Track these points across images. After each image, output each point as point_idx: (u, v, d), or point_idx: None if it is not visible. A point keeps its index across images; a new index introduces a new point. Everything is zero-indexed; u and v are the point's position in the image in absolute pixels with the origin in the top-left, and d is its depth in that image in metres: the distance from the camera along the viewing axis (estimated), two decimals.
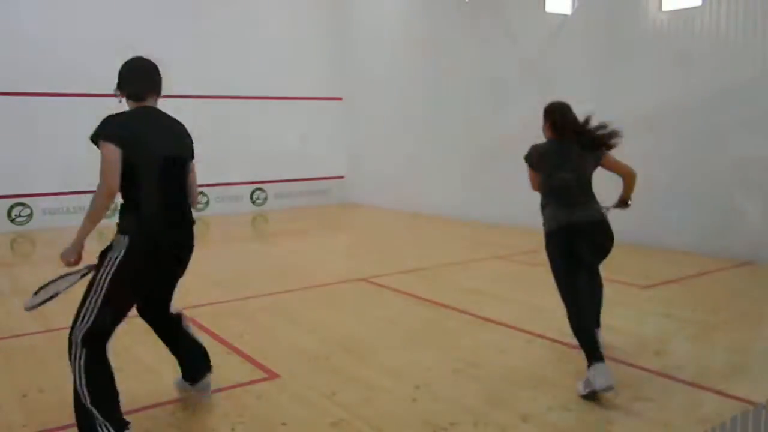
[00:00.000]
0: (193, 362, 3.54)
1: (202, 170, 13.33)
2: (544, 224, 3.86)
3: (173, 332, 3.52)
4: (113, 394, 2.96)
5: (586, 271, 3.92)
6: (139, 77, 3.25)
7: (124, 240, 2.98)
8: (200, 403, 3.51)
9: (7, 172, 10.23)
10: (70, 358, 2.91)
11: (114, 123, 3.01)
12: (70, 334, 2.93)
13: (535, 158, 3.91)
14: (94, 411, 2.85)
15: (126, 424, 2.96)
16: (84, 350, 2.88)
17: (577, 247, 3.71)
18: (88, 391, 2.85)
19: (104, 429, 2.87)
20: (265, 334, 4.83)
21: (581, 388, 3.51)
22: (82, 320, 2.92)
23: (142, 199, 3.01)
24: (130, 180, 2.97)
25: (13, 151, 10.21)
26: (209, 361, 3.59)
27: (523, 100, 9.53)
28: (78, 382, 2.87)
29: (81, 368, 2.86)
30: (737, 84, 6.96)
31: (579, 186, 3.79)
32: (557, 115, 3.85)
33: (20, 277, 7.19)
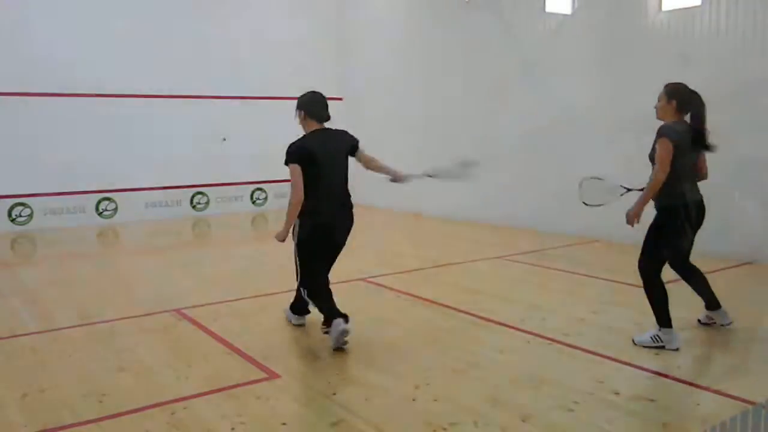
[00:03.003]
0: None
1: (202, 170, 13.35)
2: (664, 199, 4.34)
3: None
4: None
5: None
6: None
7: None
8: (200, 404, 3.52)
9: (8, 172, 10.23)
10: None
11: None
12: None
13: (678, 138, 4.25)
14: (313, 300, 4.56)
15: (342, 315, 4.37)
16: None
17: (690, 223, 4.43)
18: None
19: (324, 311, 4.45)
20: (265, 334, 4.83)
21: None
22: None
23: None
24: None
25: (15, 151, 10.21)
26: None
27: (523, 100, 9.54)
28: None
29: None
30: (737, 84, 6.96)
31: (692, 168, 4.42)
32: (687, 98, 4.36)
33: (20, 277, 7.19)
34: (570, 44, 8.81)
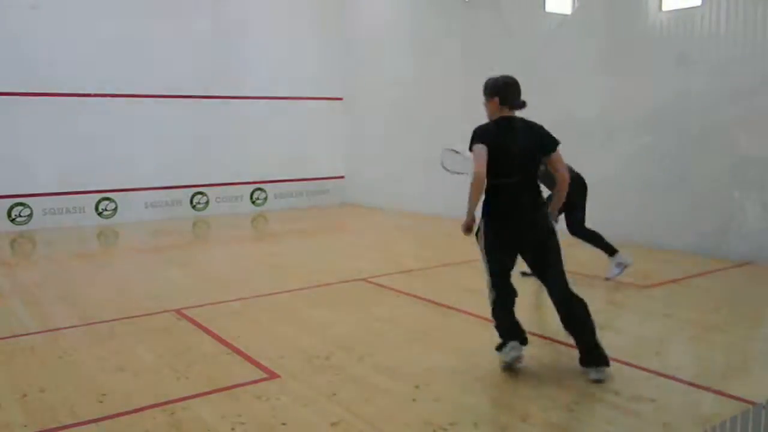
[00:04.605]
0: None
1: (202, 170, 13.31)
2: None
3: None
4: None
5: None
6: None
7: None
8: (200, 404, 3.52)
9: (8, 172, 10.23)
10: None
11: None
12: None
13: None
14: None
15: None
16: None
17: None
18: None
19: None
20: (265, 334, 4.83)
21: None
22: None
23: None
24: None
25: (15, 151, 10.21)
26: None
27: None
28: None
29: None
30: (737, 84, 6.96)
31: None
32: None
33: (20, 277, 7.19)
34: (570, 44, 8.81)
